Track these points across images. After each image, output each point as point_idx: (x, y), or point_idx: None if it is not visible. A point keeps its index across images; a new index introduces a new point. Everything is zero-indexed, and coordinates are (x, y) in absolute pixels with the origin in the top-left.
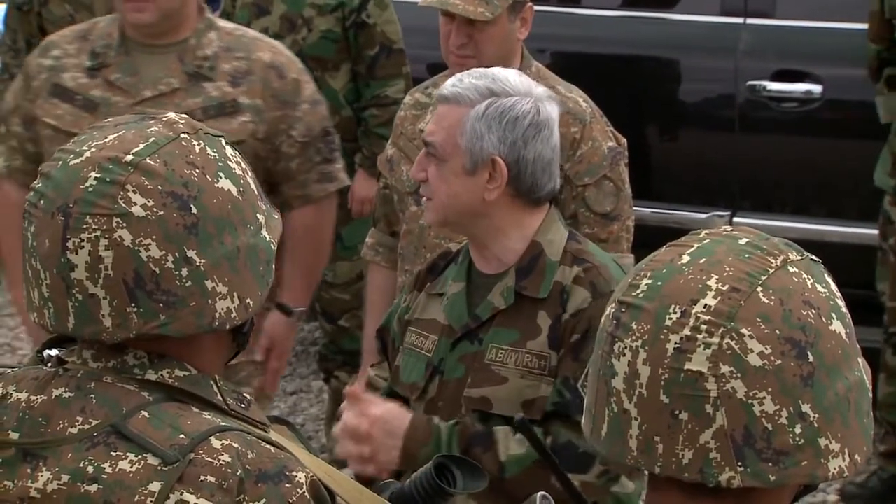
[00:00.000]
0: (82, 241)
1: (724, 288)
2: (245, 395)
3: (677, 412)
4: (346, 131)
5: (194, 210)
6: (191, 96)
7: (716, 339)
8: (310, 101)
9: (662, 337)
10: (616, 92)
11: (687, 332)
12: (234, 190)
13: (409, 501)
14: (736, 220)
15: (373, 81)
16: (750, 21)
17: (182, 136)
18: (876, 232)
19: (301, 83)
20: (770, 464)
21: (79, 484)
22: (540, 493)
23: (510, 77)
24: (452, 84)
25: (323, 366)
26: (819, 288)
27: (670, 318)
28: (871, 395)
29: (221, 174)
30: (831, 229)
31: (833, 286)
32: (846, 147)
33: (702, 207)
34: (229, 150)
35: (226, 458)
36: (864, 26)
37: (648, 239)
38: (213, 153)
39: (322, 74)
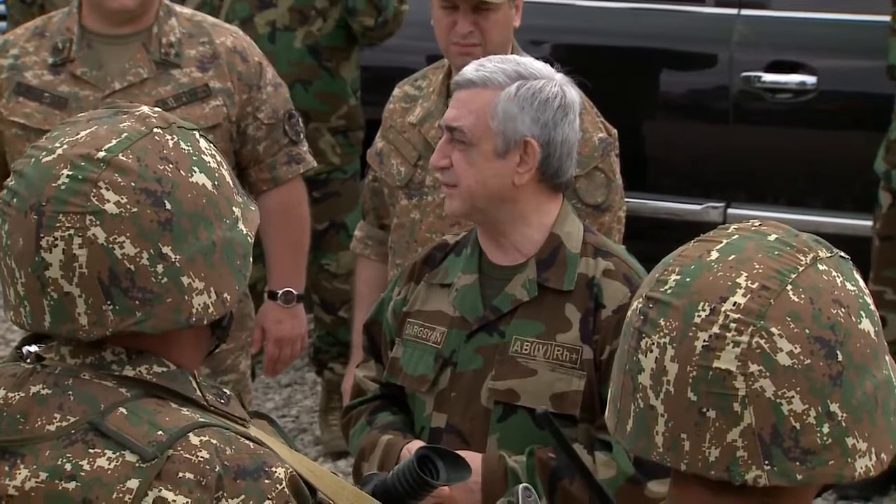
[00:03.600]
0: (56, 239)
1: (754, 286)
2: (225, 390)
3: (705, 410)
4: (353, 119)
5: (168, 206)
6: (161, 84)
7: (745, 338)
8: (273, 84)
9: (691, 334)
10: (610, 83)
11: (716, 329)
12: (208, 184)
13: (391, 494)
14: (730, 211)
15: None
16: (744, 12)
17: (155, 130)
18: (870, 223)
19: (263, 66)
20: (797, 463)
21: (57, 481)
22: (522, 485)
23: (533, 62)
24: (476, 69)
25: (317, 358)
26: (848, 286)
27: (699, 316)
28: None
29: (195, 168)
30: (826, 220)
31: (862, 283)
32: (840, 138)
33: (696, 199)
34: (203, 144)
35: (204, 454)
36: (858, 17)
37: (642, 230)
38: (186, 147)
39: (336, 64)
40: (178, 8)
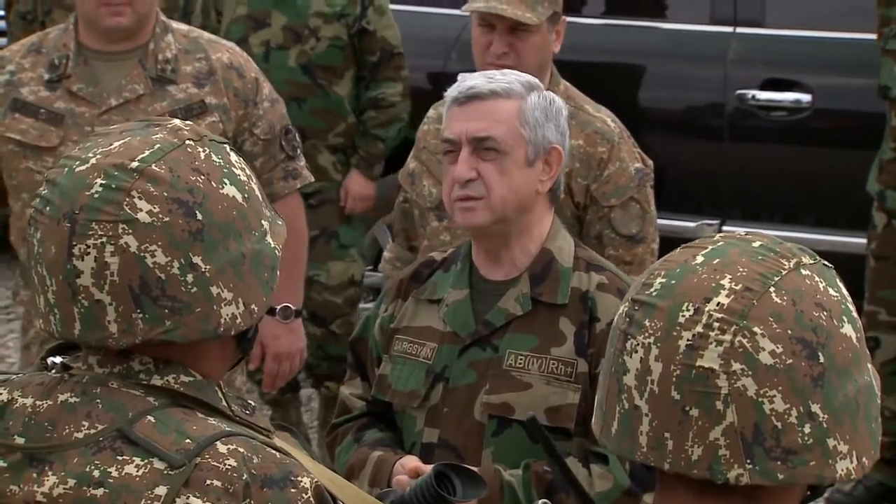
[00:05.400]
0: (88, 247)
1: (738, 287)
2: (249, 401)
3: (688, 408)
4: (351, 138)
5: (199, 216)
6: (157, 101)
7: (728, 337)
8: (269, 100)
9: (675, 334)
10: (605, 100)
11: (699, 329)
12: (238, 196)
13: None
14: (725, 228)
15: (372, 84)
16: (739, 30)
17: (187, 142)
18: (864, 241)
19: (260, 82)
20: (779, 462)
21: (85, 488)
22: (542, 501)
23: (528, 75)
24: (489, 80)
25: (310, 373)
26: (831, 291)
27: (683, 316)
28: (879, 400)
29: (226, 181)
30: (820, 238)
31: (844, 291)
32: (835, 156)
33: (691, 216)
34: (234, 157)
35: (232, 462)
36: (853, 35)
37: None
38: (217, 160)
39: (329, 82)
40: (174, 24)
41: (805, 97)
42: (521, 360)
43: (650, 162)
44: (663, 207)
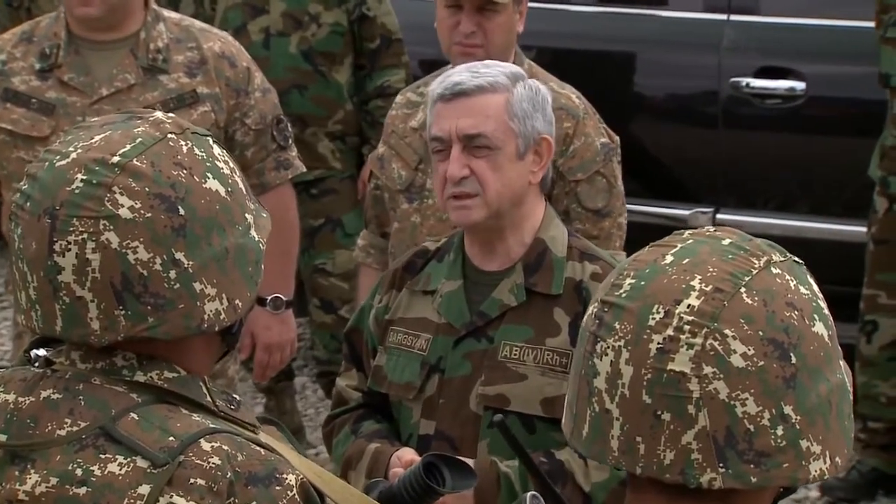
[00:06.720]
0: (69, 243)
1: (708, 288)
2: (235, 395)
3: (659, 412)
4: (350, 125)
5: (182, 211)
6: (148, 90)
7: (699, 340)
8: (261, 90)
9: (645, 337)
10: (599, 88)
11: (670, 332)
12: (221, 190)
13: (397, 501)
14: (719, 216)
15: (375, 73)
16: (733, 17)
17: (169, 136)
18: (858, 228)
19: (252, 72)
20: (752, 465)
21: (67, 486)
22: (530, 493)
23: (512, 65)
24: (473, 76)
25: (322, 369)
26: (802, 289)
27: (653, 318)
28: (851, 397)
29: (209, 175)
30: (814, 226)
31: (815, 288)
32: (829, 144)
33: (685, 204)
34: (217, 150)
35: (215, 460)
36: (848, 23)
37: (631, 235)
38: (200, 153)
39: (329, 69)
40: (165, 13)
41: (799, 85)
42: (515, 351)
43: (616, 137)
44: (657, 195)
